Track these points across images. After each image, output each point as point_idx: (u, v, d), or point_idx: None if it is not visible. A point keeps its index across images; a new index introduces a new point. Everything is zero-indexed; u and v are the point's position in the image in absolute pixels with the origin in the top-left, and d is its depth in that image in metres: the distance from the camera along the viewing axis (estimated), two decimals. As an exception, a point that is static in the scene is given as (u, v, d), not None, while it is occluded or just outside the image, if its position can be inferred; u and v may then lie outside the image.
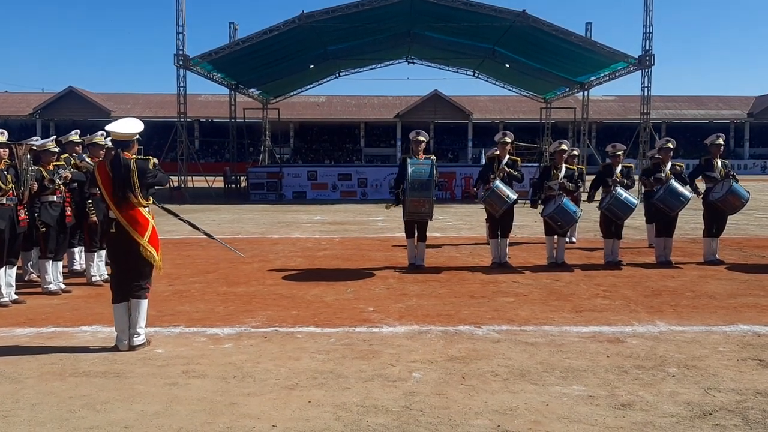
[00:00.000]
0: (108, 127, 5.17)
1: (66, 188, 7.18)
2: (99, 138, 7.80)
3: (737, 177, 8.94)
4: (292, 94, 35.44)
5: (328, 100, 56.70)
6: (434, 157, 8.58)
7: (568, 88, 29.56)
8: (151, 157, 5.23)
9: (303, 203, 21.43)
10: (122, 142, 5.10)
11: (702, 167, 9.19)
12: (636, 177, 9.81)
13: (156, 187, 5.34)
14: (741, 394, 4.05)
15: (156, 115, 49.50)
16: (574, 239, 11.03)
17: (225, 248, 7.45)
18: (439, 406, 3.86)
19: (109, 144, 7.71)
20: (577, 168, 9.45)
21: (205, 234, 6.46)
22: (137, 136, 5.17)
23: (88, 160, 7.62)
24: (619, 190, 8.69)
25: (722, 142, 9.18)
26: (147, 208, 5.18)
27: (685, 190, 8.71)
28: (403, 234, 8.93)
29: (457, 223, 14.74)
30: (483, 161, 9.93)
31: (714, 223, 9.03)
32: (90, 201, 7.49)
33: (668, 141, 9.27)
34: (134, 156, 5.14)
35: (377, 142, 57.29)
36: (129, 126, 5.12)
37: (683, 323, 5.76)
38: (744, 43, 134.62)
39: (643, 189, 10.13)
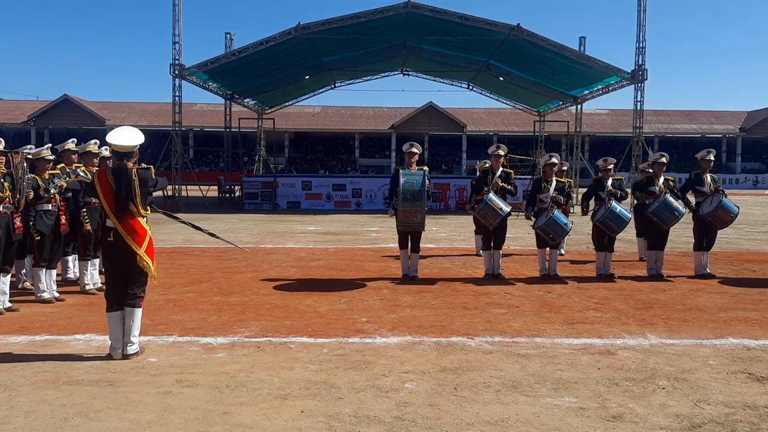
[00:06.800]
0: (108, 139, 5.16)
1: (61, 197, 7.19)
2: (92, 147, 7.83)
3: (725, 192, 9.04)
4: (287, 104, 35.50)
5: (323, 110, 56.84)
6: (427, 168, 8.66)
7: (561, 101, 29.75)
8: (151, 167, 5.28)
9: (297, 213, 21.44)
10: (125, 154, 5.14)
11: (692, 182, 9.28)
12: (628, 190, 9.90)
13: (154, 193, 5.37)
14: (730, 407, 4.10)
15: (151, 124, 49.43)
16: (562, 251, 11.07)
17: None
18: (432, 416, 3.89)
19: (104, 153, 7.74)
20: (567, 181, 9.56)
21: (209, 233, 6.49)
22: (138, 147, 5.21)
23: (82, 171, 7.59)
24: (614, 203, 8.77)
25: (712, 158, 9.27)
26: (145, 218, 5.21)
27: (680, 205, 8.79)
28: (397, 245, 8.98)
29: (451, 234, 14.79)
30: (478, 173, 9.95)
31: (704, 237, 9.10)
32: (84, 209, 7.50)
33: (662, 156, 9.36)
34: (135, 166, 5.18)
35: (372, 153, 57.40)
36: (130, 138, 5.13)
37: (674, 336, 5.82)
38: (737, 58, 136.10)
39: (635, 202, 10.21)
